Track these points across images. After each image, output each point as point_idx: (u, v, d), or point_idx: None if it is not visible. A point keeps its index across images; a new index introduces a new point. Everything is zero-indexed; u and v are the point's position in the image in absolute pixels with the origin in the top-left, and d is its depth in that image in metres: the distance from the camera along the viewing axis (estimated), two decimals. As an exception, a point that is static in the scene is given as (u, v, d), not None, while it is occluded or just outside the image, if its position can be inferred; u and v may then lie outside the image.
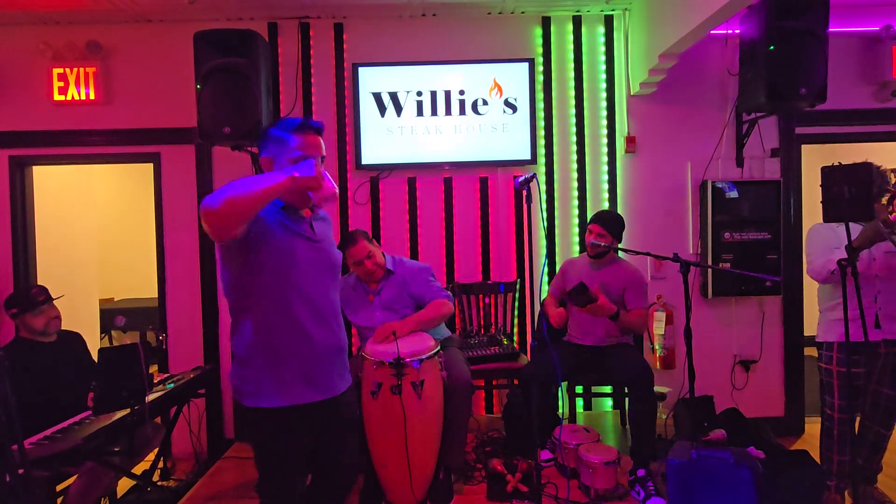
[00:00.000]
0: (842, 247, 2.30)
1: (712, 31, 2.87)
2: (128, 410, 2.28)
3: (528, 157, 3.53)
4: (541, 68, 3.58)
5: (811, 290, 3.22)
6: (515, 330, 3.52)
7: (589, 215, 3.54)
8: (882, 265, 2.50)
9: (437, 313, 2.71)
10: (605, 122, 3.60)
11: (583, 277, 2.99)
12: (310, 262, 1.60)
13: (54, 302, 2.67)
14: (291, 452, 1.59)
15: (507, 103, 3.52)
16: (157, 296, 3.60)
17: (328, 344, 1.62)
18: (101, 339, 4.92)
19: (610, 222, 2.95)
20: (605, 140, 3.60)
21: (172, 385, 2.68)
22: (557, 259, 3.56)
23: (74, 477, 2.37)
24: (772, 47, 2.90)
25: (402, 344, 2.43)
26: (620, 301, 2.92)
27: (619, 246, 3.55)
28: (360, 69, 3.48)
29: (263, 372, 1.52)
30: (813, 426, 3.54)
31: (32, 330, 2.59)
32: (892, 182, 2.42)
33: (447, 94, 3.51)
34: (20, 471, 1.59)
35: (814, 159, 3.36)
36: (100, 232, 5.32)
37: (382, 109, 3.51)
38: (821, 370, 2.62)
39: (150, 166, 3.58)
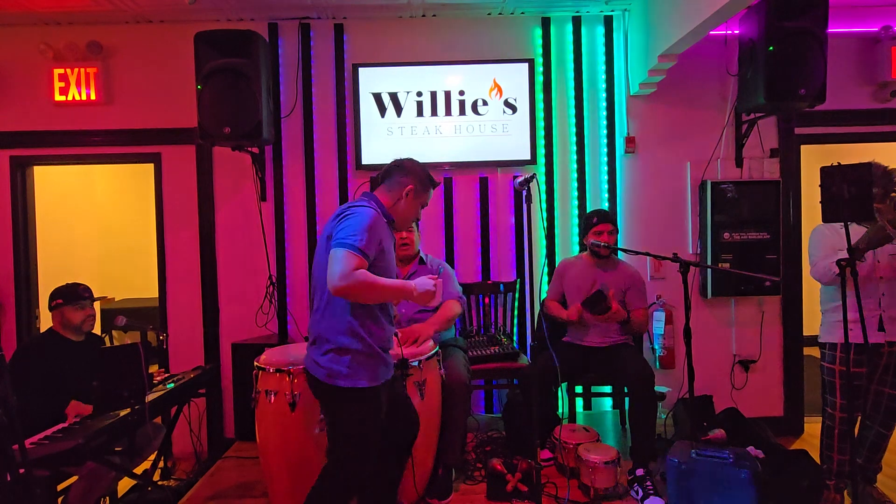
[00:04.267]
0: (845, 248, 2.30)
1: (712, 32, 2.87)
2: (128, 410, 2.28)
3: (527, 157, 3.53)
4: (540, 69, 3.58)
5: (810, 290, 3.23)
6: (515, 330, 3.52)
7: (589, 215, 3.54)
8: (886, 268, 2.50)
9: (451, 314, 2.81)
10: (604, 123, 3.61)
11: (586, 279, 2.99)
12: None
13: (95, 303, 2.76)
14: (378, 422, 1.93)
15: (506, 104, 3.53)
16: (157, 296, 3.61)
17: (392, 335, 2.04)
18: (103, 338, 4.92)
19: (614, 219, 2.99)
20: (604, 140, 3.61)
21: (173, 385, 2.68)
22: (557, 259, 3.56)
23: (75, 477, 2.37)
24: (771, 48, 2.91)
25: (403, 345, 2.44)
26: (623, 302, 2.93)
27: (620, 246, 3.58)
28: (361, 69, 3.49)
29: (360, 358, 1.86)
30: (812, 426, 3.54)
31: (68, 324, 2.65)
32: None
33: (447, 95, 3.51)
34: (21, 470, 1.59)
35: (813, 159, 3.36)
36: (100, 232, 5.33)
37: (382, 110, 3.52)
38: (823, 369, 2.63)
39: (150, 166, 3.58)
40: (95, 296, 2.78)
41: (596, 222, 2.97)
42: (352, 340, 1.85)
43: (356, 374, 1.85)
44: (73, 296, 2.64)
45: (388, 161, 3.42)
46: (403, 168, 2.04)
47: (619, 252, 3.42)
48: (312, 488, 1.93)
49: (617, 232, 2.99)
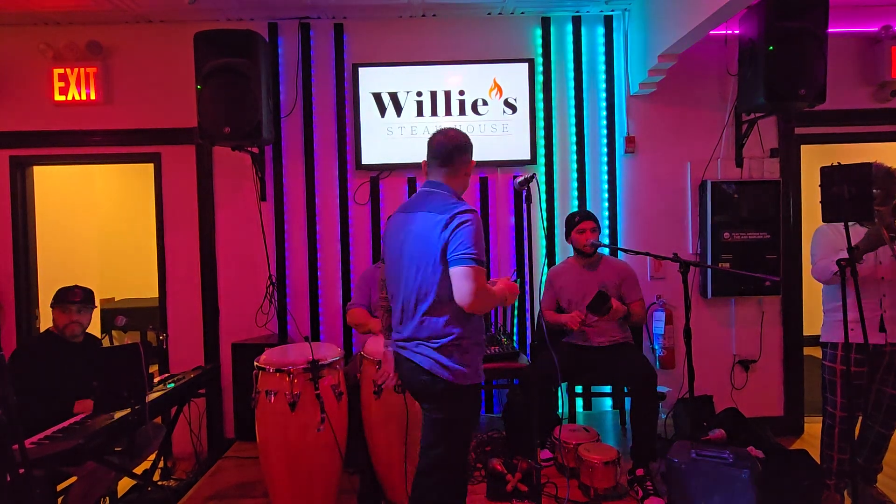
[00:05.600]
0: (845, 248, 2.30)
1: (712, 32, 2.87)
2: (128, 410, 2.28)
3: (527, 157, 3.53)
4: (540, 69, 3.58)
5: (810, 289, 3.23)
6: (515, 330, 3.52)
7: (589, 215, 3.54)
8: (888, 268, 2.50)
9: None
10: (604, 123, 3.61)
11: (579, 281, 3.00)
12: None
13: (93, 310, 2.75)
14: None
15: (506, 103, 3.53)
16: (157, 296, 3.61)
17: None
18: (102, 339, 4.92)
19: (595, 217, 3.00)
20: (604, 140, 3.61)
21: (173, 385, 2.68)
22: (557, 259, 3.56)
23: (75, 477, 2.37)
24: (771, 47, 2.91)
25: None
26: (619, 297, 2.94)
27: (620, 246, 3.58)
28: (360, 69, 3.49)
29: (473, 350, 1.89)
30: (812, 426, 3.54)
31: (56, 325, 2.65)
32: None
33: (447, 95, 3.51)
34: (21, 470, 1.59)
35: (813, 159, 3.36)
36: (100, 232, 5.33)
37: (382, 110, 3.52)
38: (824, 369, 2.63)
39: (150, 166, 3.58)
40: (97, 300, 2.78)
41: (578, 220, 3.00)
42: (464, 333, 1.85)
43: (474, 371, 1.88)
44: (59, 298, 2.65)
45: (389, 161, 3.52)
46: (462, 147, 2.01)
47: (620, 252, 3.43)
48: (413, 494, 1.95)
49: (599, 229, 3.01)
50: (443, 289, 1.81)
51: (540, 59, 3.59)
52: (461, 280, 1.75)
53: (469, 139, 2.06)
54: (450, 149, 1.98)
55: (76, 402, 2.50)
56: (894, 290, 2.51)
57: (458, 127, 3.43)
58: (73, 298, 2.65)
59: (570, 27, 3.60)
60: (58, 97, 3.49)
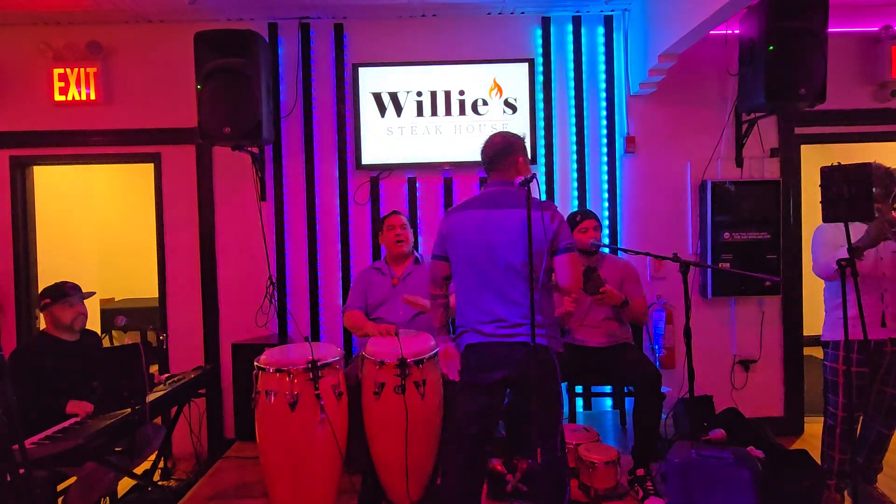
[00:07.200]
0: (846, 246, 2.30)
1: (712, 32, 2.87)
2: (128, 410, 2.28)
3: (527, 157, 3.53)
4: (540, 68, 3.58)
5: (810, 289, 3.23)
6: (515, 330, 3.51)
7: (589, 215, 3.53)
8: (890, 264, 2.50)
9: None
10: (604, 123, 3.60)
11: None
12: None
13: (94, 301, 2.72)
14: None
15: (507, 103, 3.53)
16: (157, 296, 3.61)
17: None
18: (102, 338, 4.92)
19: (596, 215, 3.01)
20: (604, 140, 3.61)
21: (173, 385, 2.68)
22: (557, 259, 3.55)
23: (75, 477, 2.37)
24: (771, 47, 2.90)
25: (404, 344, 2.44)
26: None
27: (620, 246, 3.58)
28: (360, 69, 3.49)
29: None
30: (812, 426, 3.54)
31: (59, 323, 2.62)
32: None
33: (447, 95, 3.51)
34: (21, 470, 1.59)
35: (813, 159, 3.36)
36: (100, 232, 5.33)
37: (382, 110, 3.52)
38: (826, 369, 2.62)
39: (150, 166, 3.58)
40: (94, 295, 2.78)
41: (580, 220, 2.99)
42: (552, 310, 2.11)
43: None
44: (59, 293, 2.62)
45: (389, 161, 3.52)
46: (504, 150, 2.14)
47: (620, 252, 3.42)
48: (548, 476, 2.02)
49: (601, 228, 3.02)
50: (546, 275, 2.01)
51: (540, 59, 3.58)
52: (569, 265, 2.01)
53: (514, 140, 2.17)
54: (491, 156, 2.16)
55: (69, 402, 2.46)
56: (895, 287, 2.51)
57: (458, 127, 3.50)
58: (71, 291, 2.63)
59: (570, 27, 3.60)
60: (58, 97, 3.49)
